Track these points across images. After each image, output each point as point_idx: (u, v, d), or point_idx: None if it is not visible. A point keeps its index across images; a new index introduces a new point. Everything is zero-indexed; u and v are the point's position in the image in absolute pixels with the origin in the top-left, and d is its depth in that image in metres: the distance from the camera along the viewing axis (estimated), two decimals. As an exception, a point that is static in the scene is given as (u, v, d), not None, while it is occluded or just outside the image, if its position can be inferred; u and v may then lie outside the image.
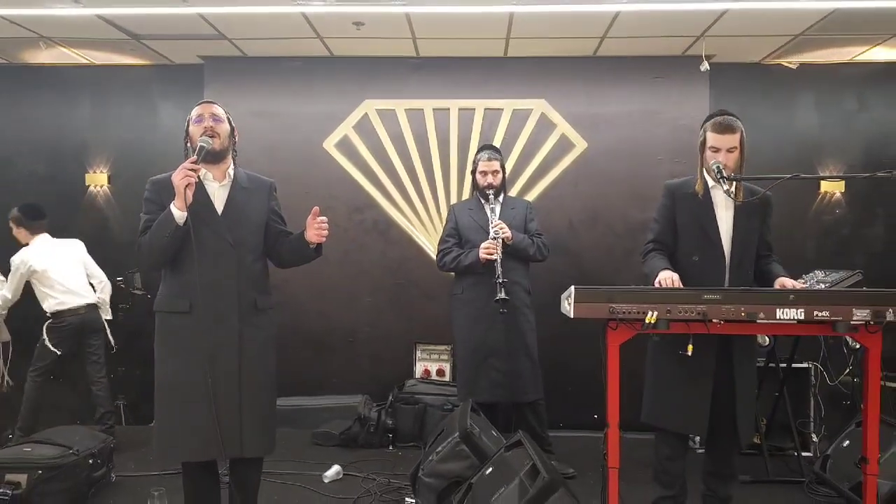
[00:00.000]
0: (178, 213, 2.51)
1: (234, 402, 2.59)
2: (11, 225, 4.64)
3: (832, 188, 5.23)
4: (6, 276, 4.60)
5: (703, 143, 2.95)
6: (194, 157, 2.56)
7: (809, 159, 5.23)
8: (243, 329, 2.64)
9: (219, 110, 2.73)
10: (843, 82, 5.26)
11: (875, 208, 5.26)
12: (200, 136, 2.62)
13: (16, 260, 4.51)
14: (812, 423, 4.39)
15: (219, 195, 2.70)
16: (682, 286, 2.73)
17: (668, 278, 2.77)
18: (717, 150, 2.89)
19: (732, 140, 2.88)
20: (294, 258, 2.84)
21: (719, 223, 2.95)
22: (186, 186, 2.48)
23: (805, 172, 5.06)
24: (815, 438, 4.36)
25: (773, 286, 2.88)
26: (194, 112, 2.72)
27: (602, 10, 4.23)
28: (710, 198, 2.95)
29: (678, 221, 3.00)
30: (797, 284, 2.83)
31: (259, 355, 2.69)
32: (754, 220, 2.98)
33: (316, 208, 2.70)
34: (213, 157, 2.65)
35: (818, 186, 5.26)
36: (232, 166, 2.76)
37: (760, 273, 3.03)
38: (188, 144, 2.72)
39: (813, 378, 4.45)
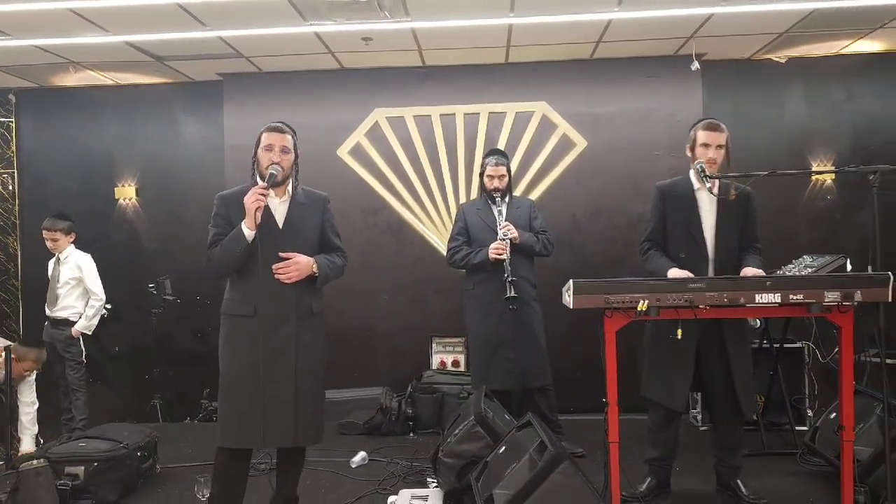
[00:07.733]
0: (249, 231, 2.78)
1: (291, 398, 2.83)
2: (63, 235, 4.76)
3: (823, 175, 5.47)
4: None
5: (694, 142, 3.23)
6: (265, 184, 2.79)
7: (801, 150, 5.47)
8: (301, 331, 2.89)
9: (288, 141, 2.91)
10: (830, 74, 5.49)
11: (866, 194, 5.44)
12: (270, 165, 2.83)
13: (89, 260, 4.81)
14: (807, 399, 4.66)
15: (279, 210, 2.93)
16: None
17: (682, 276, 3.03)
18: (707, 145, 3.17)
19: (721, 138, 3.18)
20: None
21: (703, 223, 3.24)
22: (256, 209, 2.75)
23: (796, 162, 5.38)
24: (809, 413, 4.63)
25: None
26: (265, 138, 2.89)
27: (595, 19, 4.51)
28: (696, 199, 3.23)
29: (668, 221, 3.29)
30: (758, 273, 3.07)
31: (315, 354, 2.95)
32: (737, 217, 3.26)
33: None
34: (277, 184, 2.89)
35: (809, 174, 5.50)
36: (291, 184, 2.98)
37: (737, 264, 3.28)
38: (256, 163, 2.92)
39: (806, 357, 4.71)
